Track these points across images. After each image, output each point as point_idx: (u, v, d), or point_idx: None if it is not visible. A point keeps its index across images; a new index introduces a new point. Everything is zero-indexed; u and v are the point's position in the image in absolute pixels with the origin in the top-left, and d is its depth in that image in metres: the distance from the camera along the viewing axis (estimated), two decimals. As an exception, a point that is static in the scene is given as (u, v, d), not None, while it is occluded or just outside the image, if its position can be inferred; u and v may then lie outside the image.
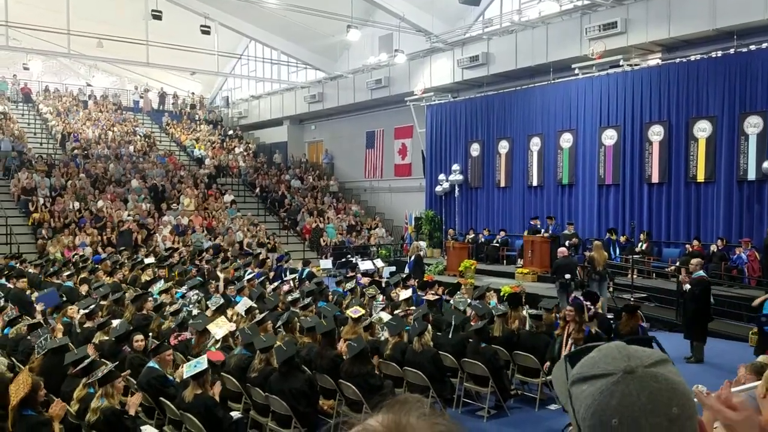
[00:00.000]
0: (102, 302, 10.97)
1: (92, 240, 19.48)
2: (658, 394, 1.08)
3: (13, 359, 7.94)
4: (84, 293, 12.21)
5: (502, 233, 19.95)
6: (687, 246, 15.41)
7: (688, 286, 10.94)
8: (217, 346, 8.21)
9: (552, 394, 8.77)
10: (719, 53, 15.33)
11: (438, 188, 22.37)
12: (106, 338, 8.41)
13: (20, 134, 26.25)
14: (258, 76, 31.00)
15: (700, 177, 15.75)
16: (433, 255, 21.36)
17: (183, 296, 11.76)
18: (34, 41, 28.00)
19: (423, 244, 19.83)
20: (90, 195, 22.15)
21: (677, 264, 14.51)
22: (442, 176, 22.27)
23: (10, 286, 12.47)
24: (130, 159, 26.26)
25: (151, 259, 16.40)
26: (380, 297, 12.01)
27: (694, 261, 11.19)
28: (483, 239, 20.13)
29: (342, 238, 23.55)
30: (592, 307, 9.05)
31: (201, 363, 6.42)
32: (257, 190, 27.18)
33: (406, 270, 17.15)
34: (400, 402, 1.04)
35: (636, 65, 17.11)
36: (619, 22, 16.57)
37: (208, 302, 10.67)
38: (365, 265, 17.49)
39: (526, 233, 18.18)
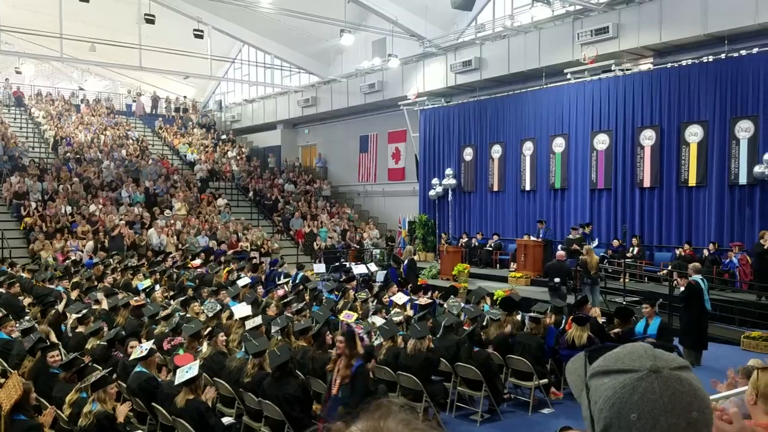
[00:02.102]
0: (94, 306, 10.92)
1: (84, 244, 19.37)
2: (680, 396, 1.09)
3: (5, 364, 7.90)
4: (75, 298, 12.15)
5: (495, 237, 19.99)
6: (679, 250, 15.48)
7: (682, 288, 10.98)
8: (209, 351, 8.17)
9: (545, 398, 8.81)
10: (710, 58, 15.42)
11: (431, 192, 22.40)
12: (99, 343, 8.37)
13: (12, 136, 26.08)
14: (251, 80, 30.99)
15: (692, 181, 15.83)
16: (426, 259, 21.37)
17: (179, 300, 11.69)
18: (26, 45, 27.93)
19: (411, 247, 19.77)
20: (82, 199, 22.06)
21: (669, 268, 14.58)
22: (435, 180, 22.31)
23: (2, 290, 12.39)
24: (122, 163, 26.14)
25: (141, 262, 16.34)
26: (374, 301, 12.01)
27: (691, 265, 11.23)
28: (476, 243, 20.17)
29: (332, 241, 23.44)
30: (365, 338, 8.65)
31: (192, 369, 6.39)
32: (250, 194, 27.14)
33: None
34: (380, 407, 1.05)
35: (628, 70, 17.21)
36: (610, 27, 16.65)
37: (202, 307, 10.62)
38: (359, 269, 17.47)
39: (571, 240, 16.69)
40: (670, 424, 1.07)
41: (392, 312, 10.60)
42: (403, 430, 1.00)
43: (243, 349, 7.98)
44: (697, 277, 10.82)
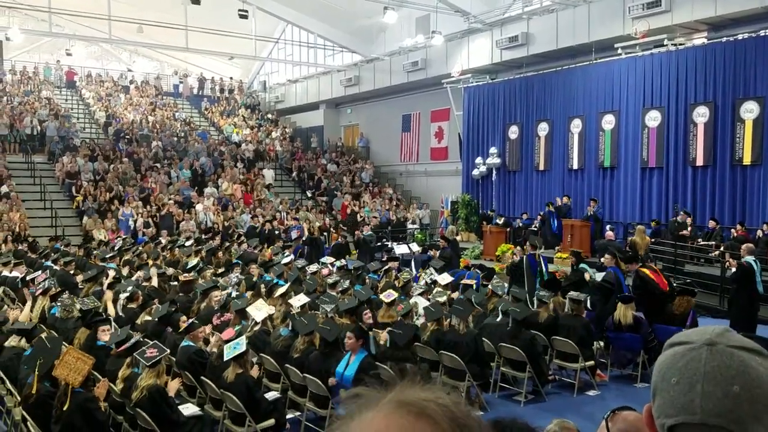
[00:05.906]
0: (144, 284, 11.19)
1: (137, 212, 19.88)
2: (724, 368, 1.09)
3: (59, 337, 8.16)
4: (126, 275, 12.47)
5: (540, 217, 19.68)
6: (732, 230, 15.02)
7: (734, 269, 10.66)
8: (257, 328, 8.31)
9: (590, 380, 8.70)
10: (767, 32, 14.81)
11: (475, 172, 22.17)
12: (149, 319, 8.59)
13: (64, 117, 26.74)
14: (295, 60, 31.07)
15: (747, 159, 15.29)
16: (469, 239, 21.23)
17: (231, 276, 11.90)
18: (76, 27, 28.53)
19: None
20: (132, 179, 22.57)
21: (722, 248, 14.16)
22: (479, 159, 22.06)
23: (57, 268, 12.79)
24: (170, 143, 26.59)
25: (189, 242, 16.65)
26: (421, 281, 12.00)
27: (744, 246, 10.88)
28: (521, 223, 19.90)
29: (375, 221, 23.32)
30: None
31: (240, 345, 6.50)
32: (294, 174, 27.33)
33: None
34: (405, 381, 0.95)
35: (681, 44, 16.63)
36: (663, 0, 16.08)
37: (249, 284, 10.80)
38: (401, 249, 17.47)
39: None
40: (705, 392, 1.08)
41: (435, 292, 10.59)
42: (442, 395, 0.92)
43: (284, 327, 8.11)
44: (750, 259, 10.49)
